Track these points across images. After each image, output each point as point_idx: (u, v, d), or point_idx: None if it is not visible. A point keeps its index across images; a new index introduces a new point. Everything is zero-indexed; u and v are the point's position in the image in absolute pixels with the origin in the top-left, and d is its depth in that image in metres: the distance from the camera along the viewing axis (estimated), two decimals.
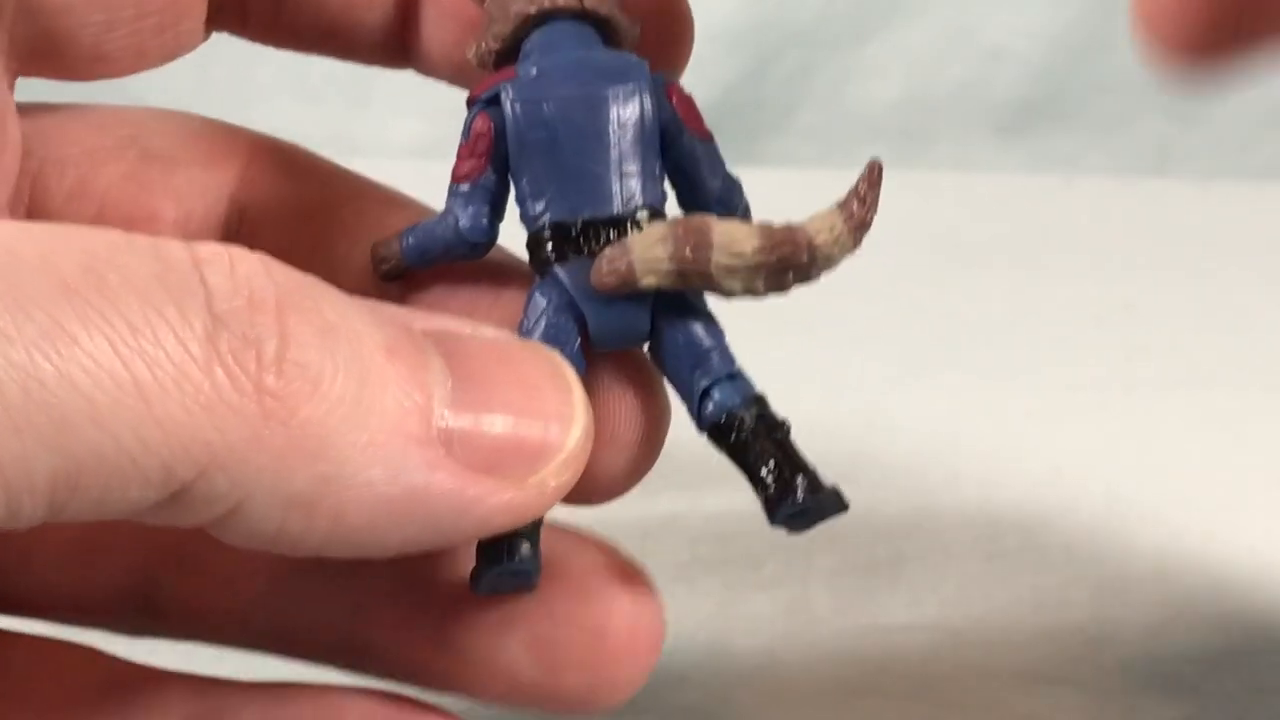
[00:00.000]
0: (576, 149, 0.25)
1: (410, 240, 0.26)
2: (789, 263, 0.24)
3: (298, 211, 0.28)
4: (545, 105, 0.25)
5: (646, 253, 0.24)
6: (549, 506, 0.23)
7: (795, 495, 0.24)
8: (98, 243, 0.20)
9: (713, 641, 0.38)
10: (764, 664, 0.37)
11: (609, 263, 0.24)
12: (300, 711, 0.26)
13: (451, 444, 0.22)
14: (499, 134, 0.25)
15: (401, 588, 0.26)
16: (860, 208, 0.24)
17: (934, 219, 0.63)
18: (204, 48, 0.30)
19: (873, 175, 0.24)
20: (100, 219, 0.27)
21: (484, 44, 0.26)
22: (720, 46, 0.69)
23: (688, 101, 0.26)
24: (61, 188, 0.28)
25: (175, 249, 0.21)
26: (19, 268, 0.19)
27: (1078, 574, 0.41)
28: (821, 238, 0.24)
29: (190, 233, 0.28)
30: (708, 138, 0.26)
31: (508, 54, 0.26)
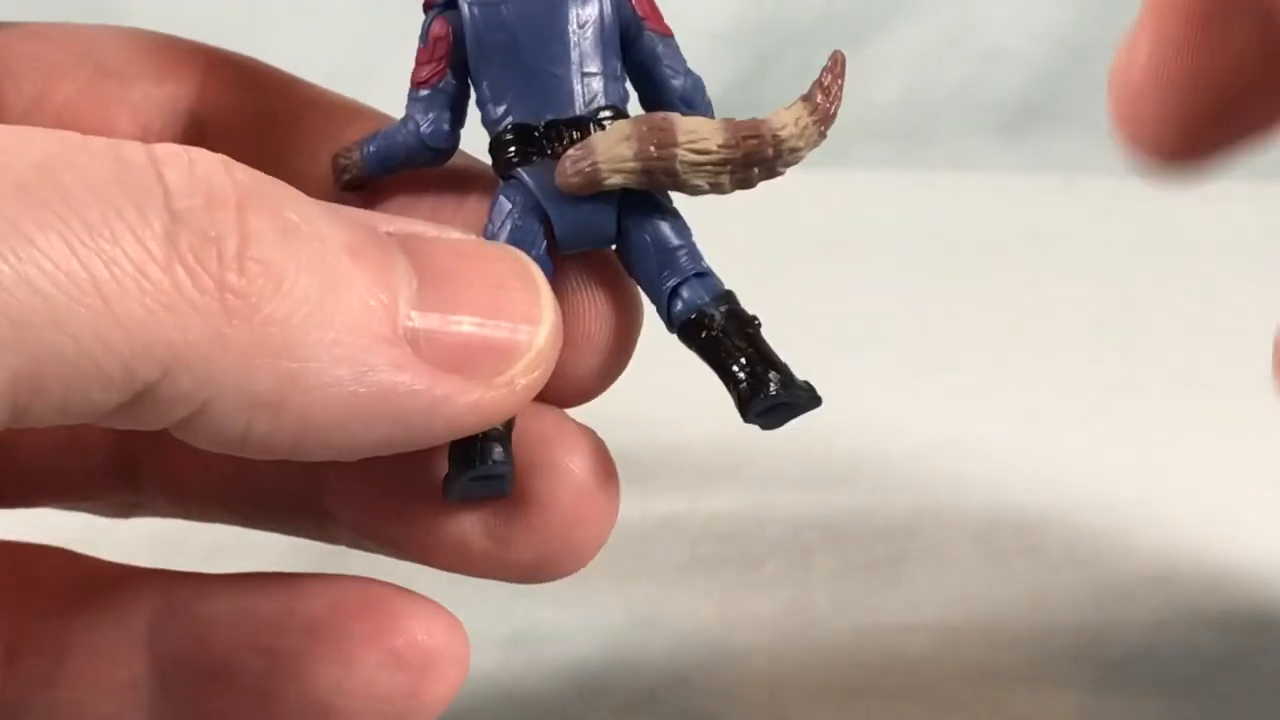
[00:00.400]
0: (536, 51, 0.25)
1: (371, 148, 0.26)
2: (754, 157, 0.24)
3: (257, 125, 0.28)
4: (503, 7, 0.25)
5: (610, 151, 0.24)
6: (519, 406, 0.23)
7: (768, 389, 0.24)
8: (52, 143, 0.20)
9: (713, 641, 0.38)
10: (764, 664, 0.37)
11: (573, 163, 0.24)
12: (269, 598, 0.26)
13: (418, 343, 0.22)
14: (458, 38, 0.25)
15: (364, 465, 0.26)
16: (825, 99, 0.24)
17: (934, 219, 0.63)
18: (203, 40, 0.30)
19: (836, 66, 0.24)
20: None
21: None
22: (720, 46, 0.70)
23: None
24: (18, 102, 0.28)
25: (132, 149, 0.21)
26: None
27: (1078, 574, 0.40)
28: (787, 130, 0.24)
29: None
30: (668, 34, 0.26)
31: None
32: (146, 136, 0.28)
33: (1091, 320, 0.56)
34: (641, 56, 0.26)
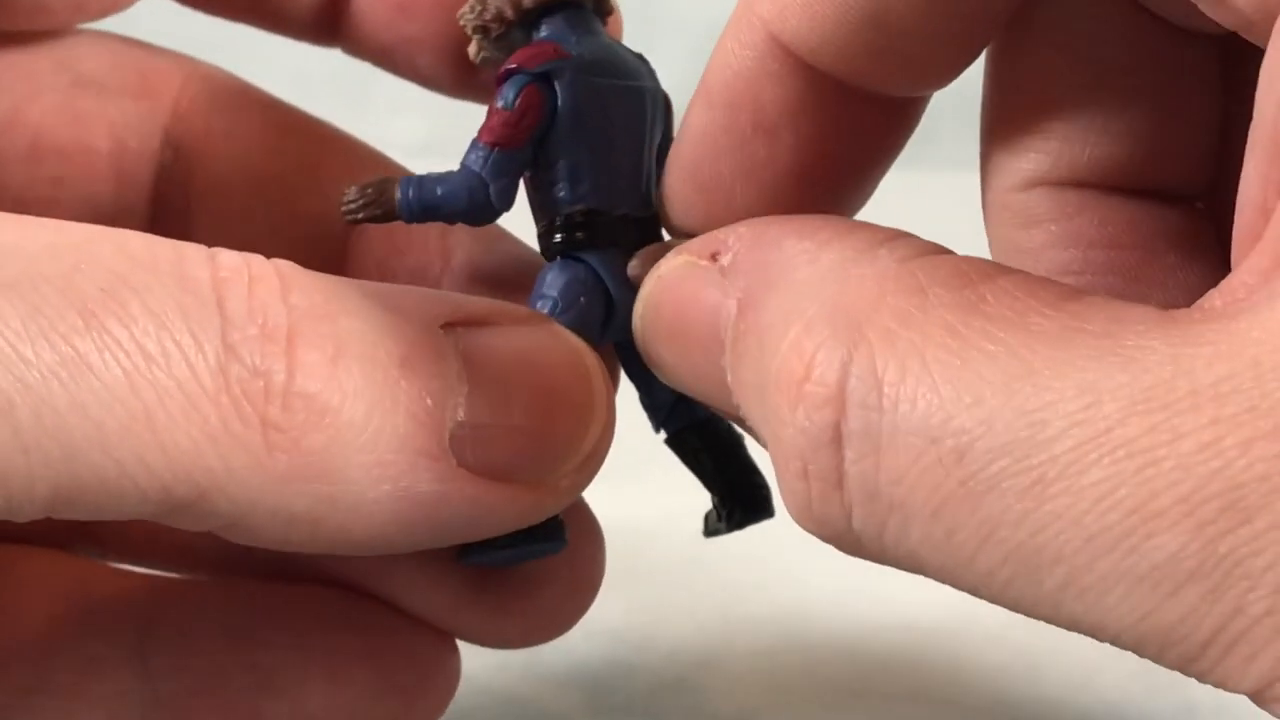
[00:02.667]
0: (625, 144, 0.25)
1: (412, 193, 0.25)
2: None
3: (236, 151, 0.28)
4: (603, 95, 0.25)
5: None
6: (563, 506, 0.24)
7: (738, 516, 0.26)
8: (120, 260, 0.21)
9: (713, 641, 0.38)
10: (764, 664, 0.37)
11: (654, 259, 0.24)
12: (260, 613, 0.26)
13: (464, 453, 0.22)
14: (548, 112, 0.25)
15: None
16: None
17: (934, 219, 0.62)
18: (204, 46, 0.30)
19: None
20: (35, 150, 0.28)
21: (494, 10, 0.26)
22: None
23: (671, 106, 0.26)
24: None
25: (196, 266, 0.21)
26: (44, 288, 0.20)
27: None
28: None
29: (124, 166, 0.28)
30: (672, 139, 0.26)
31: (515, 29, 0.26)
32: (123, 155, 0.28)
33: None
34: (658, 163, 0.26)
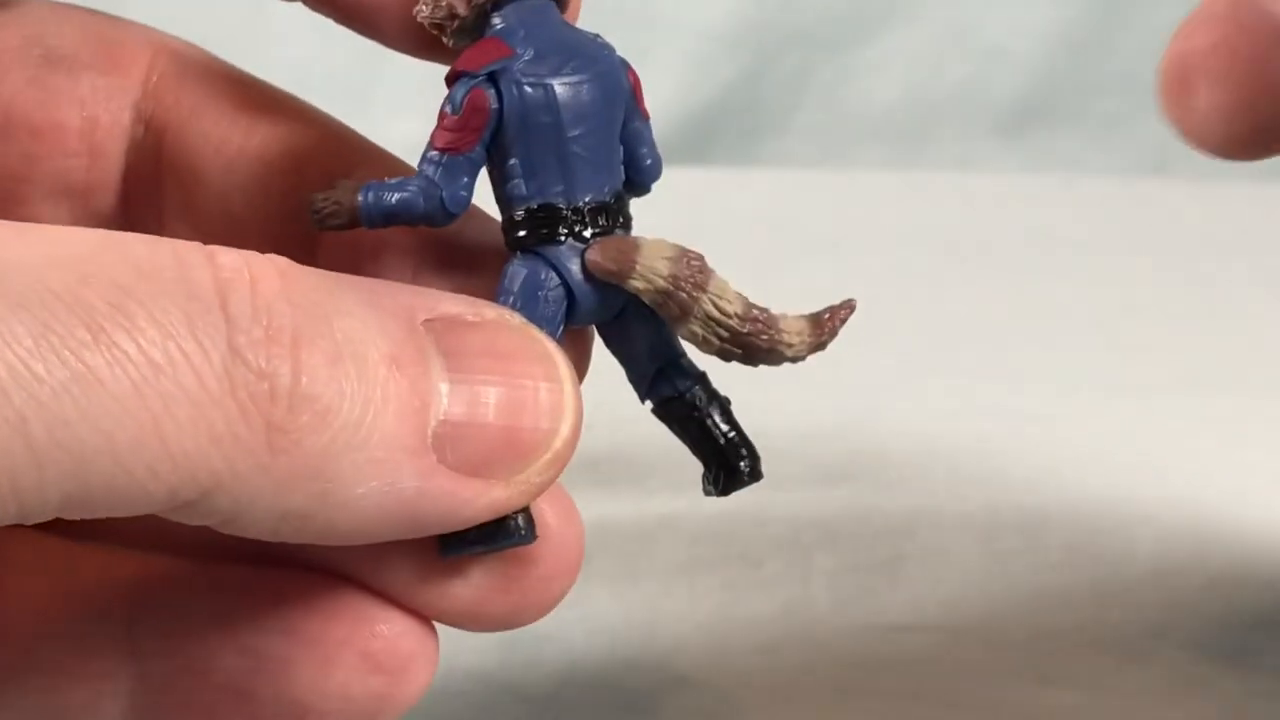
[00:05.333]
0: (576, 135, 0.25)
1: (370, 198, 0.25)
2: (751, 342, 0.25)
3: (208, 128, 0.28)
4: (548, 91, 0.25)
5: (650, 261, 0.25)
6: (531, 500, 0.24)
7: (743, 475, 0.26)
8: (125, 270, 0.21)
9: (713, 641, 0.38)
10: (764, 664, 0.37)
11: (615, 251, 0.25)
12: (249, 597, 0.26)
13: (444, 448, 0.23)
14: (497, 113, 0.25)
15: None
16: (827, 333, 0.26)
17: (934, 219, 0.63)
18: (204, 42, 0.30)
19: (844, 312, 0.26)
20: (6, 127, 0.28)
21: (445, 7, 0.26)
22: (720, 46, 0.69)
23: (638, 82, 0.26)
24: None
25: (199, 270, 0.22)
26: (53, 304, 0.20)
27: (1078, 574, 0.40)
28: (786, 338, 0.25)
29: (95, 142, 0.28)
30: (648, 117, 0.27)
31: (472, 23, 0.26)
32: (94, 131, 0.28)
33: (1091, 320, 0.56)
34: (627, 136, 0.26)
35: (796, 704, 0.36)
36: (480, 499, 0.23)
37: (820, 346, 0.26)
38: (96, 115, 0.28)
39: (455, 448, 0.23)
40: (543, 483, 0.24)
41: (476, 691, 0.29)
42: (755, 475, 0.27)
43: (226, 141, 0.28)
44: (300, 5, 0.28)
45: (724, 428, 0.27)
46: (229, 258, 0.22)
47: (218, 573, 0.27)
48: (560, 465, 0.24)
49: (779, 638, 0.38)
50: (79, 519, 0.21)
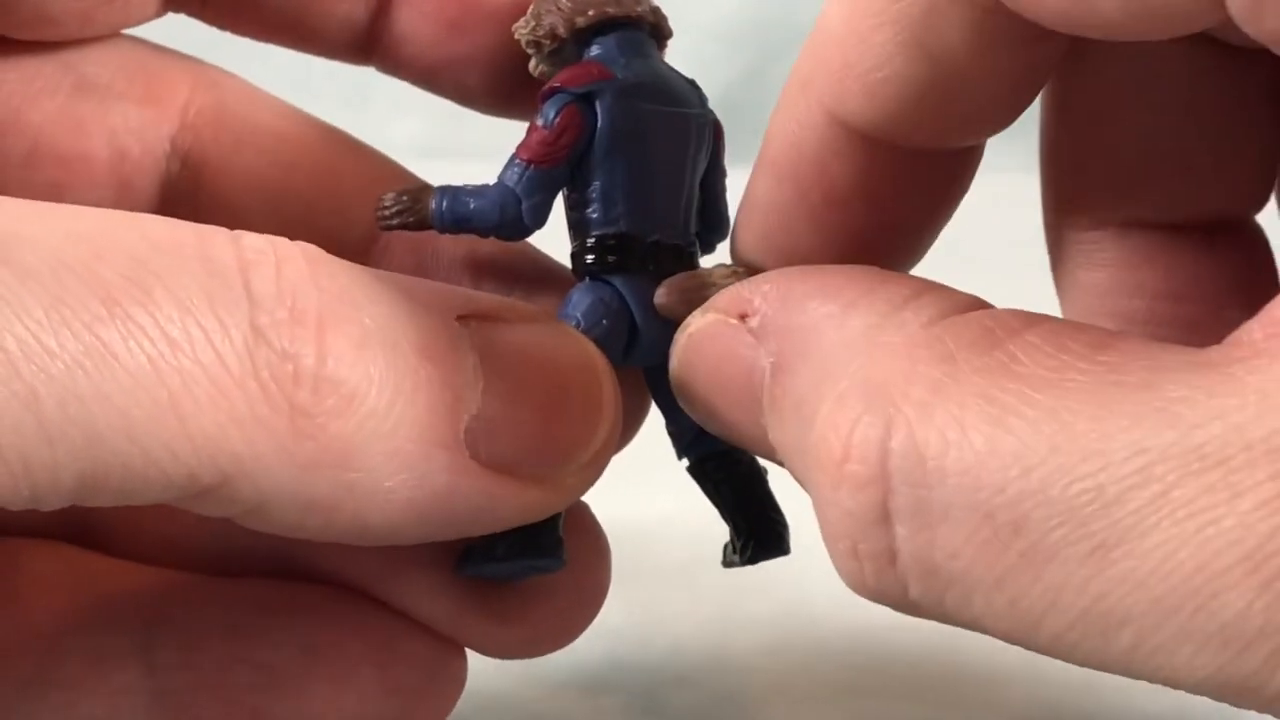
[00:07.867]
0: (663, 170, 0.25)
1: (445, 204, 0.25)
2: None
3: (248, 165, 0.28)
4: (641, 119, 0.25)
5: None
6: (567, 504, 0.24)
7: (768, 548, 0.27)
8: (143, 246, 0.20)
9: (713, 641, 0.38)
10: (764, 664, 0.37)
11: (684, 291, 0.25)
12: (266, 611, 0.26)
13: (477, 445, 0.22)
14: (586, 133, 0.25)
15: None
16: None
17: None
18: (203, 46, 0.29)
19: None
20: (34, 155, 0.27)
21: (547, 26, 0.26)
22: (722, 46, 0.70)
23: (723, 135, 0.26)
24: None
25: (220, 249, 0.21)
26: (66, 277, 0.20)
27: None
28: None
29: (124, 174, 0.28)
30: (725, 173, 0.26)
31: (570, 47, 0.26)
32: (123, 163, 0.28)
33: None
34: (705, 188, 0.26)
35: (796, 704, 0.36)
36: (515, 499, 0.22)
37: None
38: (127, 147, 0.28)
39: (489, 444, 0.22)
40: (579, 484, 0.23)
41: (476, 692, 0.29)
42: (785, 549, 0.26)
43: (268, 180, 0.28)
44: None
45: (761, 497, 0.26)
46: (254, 239, 0.21)
47: (234, 587, 0.27)
48: (598, 469, 0.23)
49: (779, 638, 0.38)
50: (96, 517, 0.21)
